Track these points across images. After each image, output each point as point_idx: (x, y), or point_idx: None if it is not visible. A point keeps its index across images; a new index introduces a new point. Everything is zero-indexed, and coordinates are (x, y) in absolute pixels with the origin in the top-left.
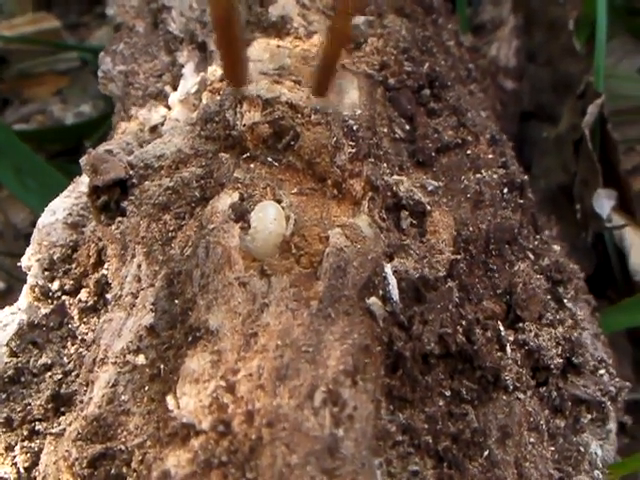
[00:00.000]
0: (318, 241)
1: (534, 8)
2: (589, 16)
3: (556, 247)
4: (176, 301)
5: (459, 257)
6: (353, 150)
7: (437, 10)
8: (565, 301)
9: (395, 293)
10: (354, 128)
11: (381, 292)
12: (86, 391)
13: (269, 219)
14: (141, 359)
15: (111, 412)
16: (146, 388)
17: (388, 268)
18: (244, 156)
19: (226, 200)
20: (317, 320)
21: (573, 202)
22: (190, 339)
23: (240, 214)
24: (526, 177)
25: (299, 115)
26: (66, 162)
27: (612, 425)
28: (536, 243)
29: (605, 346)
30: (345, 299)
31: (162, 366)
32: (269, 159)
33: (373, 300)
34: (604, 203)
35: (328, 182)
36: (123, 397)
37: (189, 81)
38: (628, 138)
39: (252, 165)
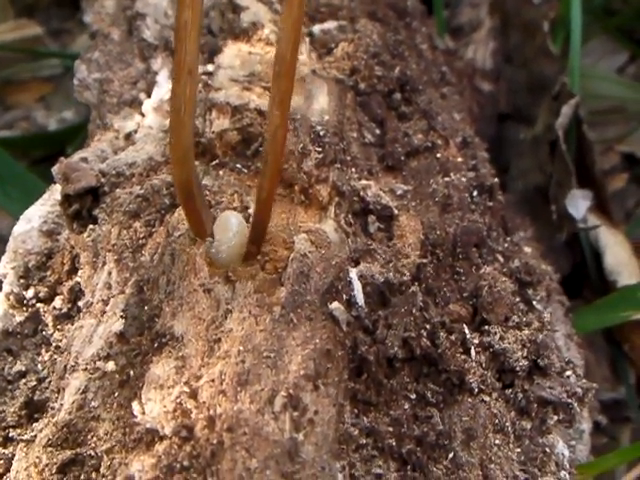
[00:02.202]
0: (284, 247)
1: (510, 10)
2: (566, 17)
3: (527, 249)
4: (146, 307)
5: (425, 261)
6: (320, 156)
7: (411, 14)
8: (534, 303)
9: (360, 297)
10: (321, 134)
11: (345, 297)
12: (57, 398)
13: (232, 231)
14: (111, 365)
15: (81, 418)
16: (116, 394)
17: (353, 273)
18: (213, 163)
19: None
20: (279, 326)
21: (549, 203)
22: (156, 345)
23: None
24: (496, 180)
25: (267, 122)
26: (49, 168)
27: (585, 425)
28: (506, 245)
29: (578, 346)
30: (307, 304)
31: (131, 372)
32: (238, 166)
33: (335, 305)
34: (580, 204)
35: (295, 188)
36: (93, 403)
37: (163, 88)
38: (606, 138)
39: (221, 172)
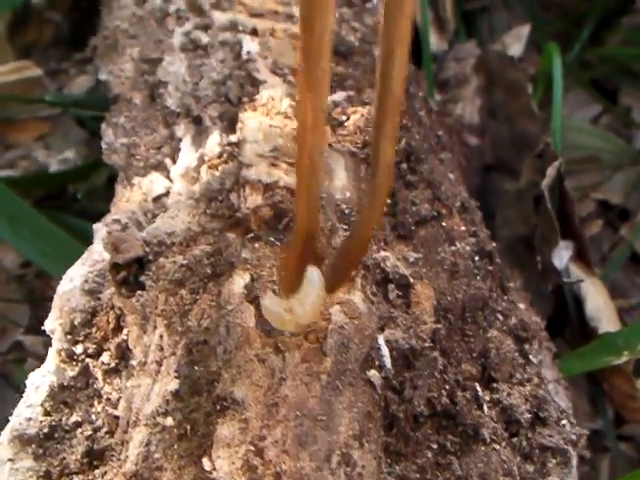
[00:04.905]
0: (321, 318)
1: (494, 69)
2: (546, 72)
3: (521, 305)
4: (195, 367)
5: (440, 325)
6: (346, 233)
7: (409, 79)
8: (530, 357)
9: (388, 362)
10: (346, 212)
11: (377, 362)
12: (122, 450)
13: (317, 286)
14: (169, 421)
15: (146, 468)
16: (175, 446)
17: (381, 339)
18: (249, 236)
19: (239, 282)
20: (327, 392)
21: (534, 252)
22: (219, 407)
23: (253, 294)
24: (494, 244)
25: None
26: (52, 208)
27: (574, 461)
28: (504, 304)
29: (565, 390)
30: (349, 372)
31: (188, 427)
32: (271, 239)
33: (373, 372)
34: (562, 254)
35: (325, 262)
36: (156, 455)
37: (187, 154)
38: (583, 185)
39: (257, 245)
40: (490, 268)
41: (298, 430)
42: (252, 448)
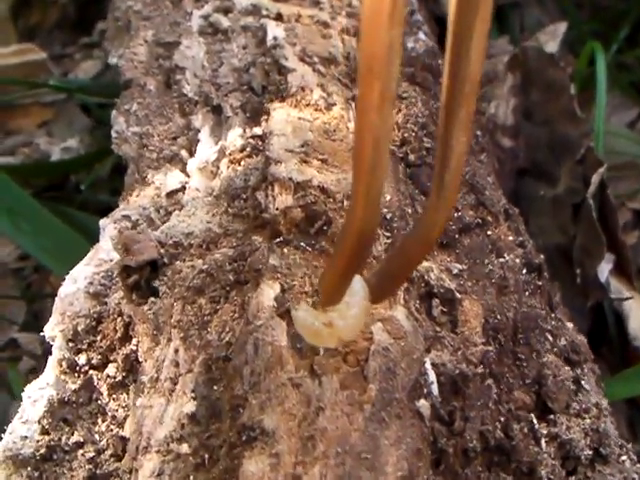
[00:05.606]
0: (362, 337)
1: (532, 68)
2: (582, 71)
3: (569, 324)
4: (215, 387)
5: (491, 348)
6: (388, 241)
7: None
8: (583, 383)
9: (435, 389)
10: (388, 217)
11: (426, 389)
12: (130, 478)
13: (361, 296)
14: (185, 448)
15: None
16: (191, 477)
17: (427, 362)
18: (277, 240)
19: (269, 293)
20: (372, 425)
21: (571, 263)
22: (245, 438)
23: (284, 308)
24: (542, 256)
25: (331, 200)
26: (53, 200)
27: None
28: (553, 323)
29: (611, 416)
30: (396, 402)
31: (206, 455)
32: (302, 244)
33: (422, 402)
34: (604, 267)
35: (364, 272)
36: None
37: (206, 147)
38: (619, 193)
39: (286, 250)
40: (539, 283)
41: (339, 470)
42: None
